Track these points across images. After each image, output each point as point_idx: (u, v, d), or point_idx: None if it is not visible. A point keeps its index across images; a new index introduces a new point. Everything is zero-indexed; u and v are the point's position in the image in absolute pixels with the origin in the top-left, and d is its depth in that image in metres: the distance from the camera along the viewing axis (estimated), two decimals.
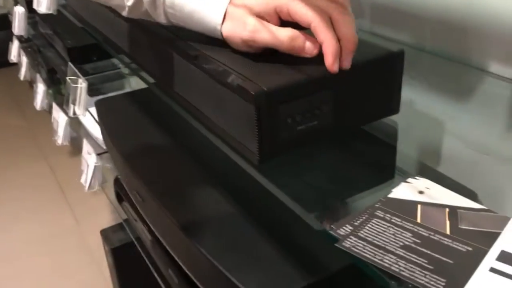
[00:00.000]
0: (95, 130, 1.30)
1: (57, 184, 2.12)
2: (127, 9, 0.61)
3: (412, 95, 0.70)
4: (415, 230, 0.43)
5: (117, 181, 1.11)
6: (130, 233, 1.16)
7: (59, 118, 1.49)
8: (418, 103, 0.69)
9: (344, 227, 0.43)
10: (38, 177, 2.17)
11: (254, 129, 0.50)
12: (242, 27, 0.51)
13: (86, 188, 1.28)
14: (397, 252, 0.40)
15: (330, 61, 0.49)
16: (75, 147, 1.83)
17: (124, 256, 1.33)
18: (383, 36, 0.89)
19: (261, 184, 0.54)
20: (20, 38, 2.07)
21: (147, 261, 1.05)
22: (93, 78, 1.40)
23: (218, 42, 0.58)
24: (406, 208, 0.45)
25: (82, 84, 1.17)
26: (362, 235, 0.42)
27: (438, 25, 0.81)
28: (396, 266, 0.39)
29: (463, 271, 0.38)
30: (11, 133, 2.53)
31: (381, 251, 0.40)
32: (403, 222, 0.43)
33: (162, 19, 0.59)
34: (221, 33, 0.54)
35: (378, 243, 0.41)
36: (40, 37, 1.82)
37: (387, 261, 0.39)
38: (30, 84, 2.45)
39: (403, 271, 0.39)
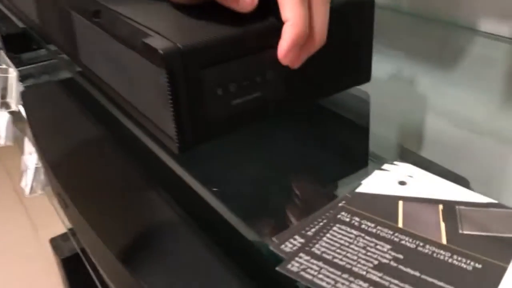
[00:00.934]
0: None
1: (13, 189, 1.96)
2: None
3: (387, 62, 0.56)
4: (396, 240, 0.29)
5: None
6: (75, 243, 1.02)
7: (0, 115, 1.33)
8: (395, 72, 0.55)
9: (291, 240, 0.29)
10: None
11: (168, 105, 0.36)
12: None
13: (27, 192, 1.13)
14: (370, 276, 0.27)
15: (285, 48, 0.34)
16: (22, 148, 1.68)
17: (76, 266, 1.19)
18: None
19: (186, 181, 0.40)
20: None
21: (91, 272, 0.91)
22: (32, 68, 1.24)
23: None
24: (382, 206, 0.31)
25: (12, 74, 1.01)
26: (317, 252, 0.28)
27: None
28: None
29: None
30: None
31: (345, 275, 0.27)
32: (378, 228, 0.30)
33: None
34: None
35: (342, 262, 0.28)
36: None
37: None
38: None
39: None
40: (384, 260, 0.27)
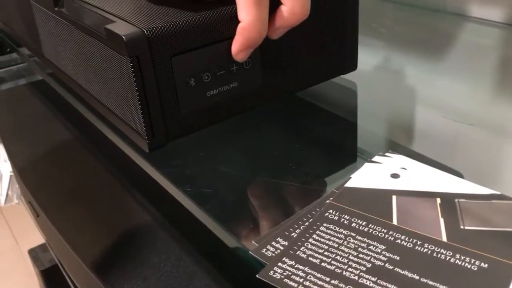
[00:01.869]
0: None
1: None
2: None
3: (374, 52, 0.53)
4: (391, 239, 0.26)
5: None
6: (53, 253, 0.97)
7: None
8: (383, 62, 0.52)
9: (273, 243, 0.26)
10: None
11: (135, 98, 0.32)
12: None
13: (2, 202, 1.09)
14: (363, 281, 0.23)
15: (236, 49, 0.32)
16: None
17: (56, 278, 1.14)
18: None
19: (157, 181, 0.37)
20: None
21: (70, 284, 0.86)
22: (6, 72, 1.20)
23: None
24: (374, 202, 0.28)
25: None
26: (302, 255, 0.25)
27: None
28: None
29: None
30: None
31: (335, 281, 0.23)
32: (371, 226, 0.27)
33: None
34: None
35: (331, 267, 0.24)
36: None
37: None
38: None
39: None
40: (379, 262, 0.24)
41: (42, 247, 1.19)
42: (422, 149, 0.36)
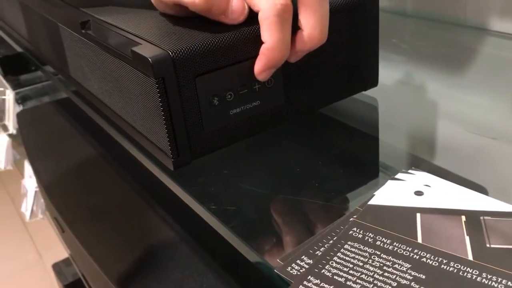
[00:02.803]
0: None
1: (17, 214, 1.94)
2: None
3: (395, 67, 0.53)
4: (416, 257, 0.26)
5: None
6: (77, 268, 0.98)
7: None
8: (404, 77, 0.52)
9: (298, 262, 0.26)
10: None
11: (160, 118, 0.33)
12: None
13: (27, 217, 1.10)
14: None
15: (259, 69, 0.33)
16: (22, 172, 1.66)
17: None
18: None
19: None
20: None
21: None
22: (31, 90, 1.22)
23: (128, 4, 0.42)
24: (398, 220, 0.28)
25: (9, 96, 0.99)
26: (327, 274, 0.25)
27: None
28: None
29: None
30: None
31: None
32: (395, 244, 0.27)
33: None
34: None
35: (356, 285, 0.24)
36: None
37: None
38: None
39: None
40: (404, 281, 0.24)
41: (65, 261, 1.20)
42: (445, 164, 0.36)
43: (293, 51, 0.33)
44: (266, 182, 0.37)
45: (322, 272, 0.25)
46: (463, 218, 0.28)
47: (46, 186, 0.66)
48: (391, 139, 0.42)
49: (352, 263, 0.26)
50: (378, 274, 0.25)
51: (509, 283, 0.23)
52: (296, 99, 0.38)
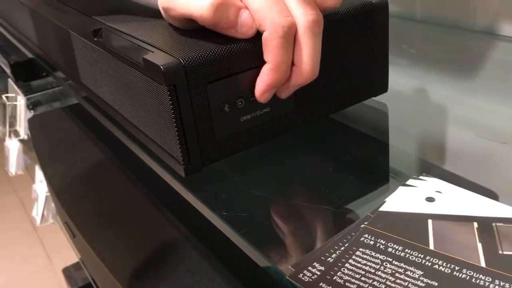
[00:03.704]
0: None
1: (28, 218, 1.95)
2: None
3: (405, 72, 0.53)
4: (428, 264, 0.26)
5: None
6: (87, 272, 0.99)
7: (11, 144, 1.32)
8: (413, 82, 0.52)
9: (309, 268, 0.26)
10: (8, 211, 2.02)
11: (172, 124, 0.33)
12: None
13: (38, 222, 1.11)
14: None
15: (260, 90, 0.33)
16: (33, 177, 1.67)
17: None
18: None
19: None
20: None
21: None
22: (42, 95, 1.23)
23: (136, 13, 0.42)
24: (410, 226, 0.28)
25: (20, 102, 1.00)
26: (339, 281, 0.25)
27: None
28: None
29: None
30: None
31: None
32: (407, 251, 0.27)
33: None
34: None
35: None
36: None
37: None
38: None
39: None
40: None
41: (75, 266, 1.21)
42: (455, 169, 0.36)
43: (285, 86, 0.33)
44: (276, 188, 0.37)
45: (334, 279, 0.25)
46: (475, 224, 0.28)
47: (57, 191, 0.67)
48: (401, 145, 0.42)
49: (364, 269, 0.26)
50: (390, 281, 0.25)
51: None
52: (306, 106, 0.38)
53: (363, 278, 0.25)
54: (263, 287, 0.43)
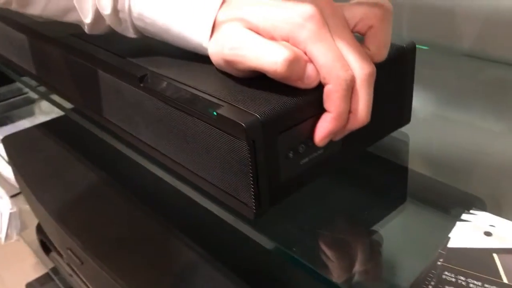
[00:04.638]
0: (4, 169, 1.09)
1: None
2: (86, 27, 0.45)
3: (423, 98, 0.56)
4: None
5: (40, 228, 0.92)
6: (60, 284, 0.97)
7: None
8: (430, 111, 0.56)
9: None
10: None
11: (245, 173, 0.35)
12: (225, 43, 0.36)
13: (2, 240, 1.07)
14: None
15: (321, 136, 0.36)
16: None
17: None
18: None
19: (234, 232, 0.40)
20: None
21: None
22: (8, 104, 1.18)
23: (170, 55, 0.43)
24: (479, 261, 0.33)
25: None
26: None
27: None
28: None
29: None
30: None
31: None
32: (486, 286, 0.31)
33: (130, 33, 0.43)
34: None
35: None
36: None
37: None
38: None
39: None
40: None
41: (39, 280, 1.18)
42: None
43: (341, 130, 0.36)
44: (340, 225, 0.40)
45: None
46: None
47: (56, 216, 0.65)
48: (442, 177, 0.45)
49: None
50: None
51: None
52: (350, 143, 0.41)
53: None
54: None
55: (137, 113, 0.44)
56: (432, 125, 0.53)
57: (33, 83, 0.74)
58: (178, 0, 0.39)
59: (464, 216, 0.36)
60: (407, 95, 0.45)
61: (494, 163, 0.46)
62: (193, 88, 0.38)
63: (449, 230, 0.35)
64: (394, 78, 0.43)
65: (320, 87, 0.35)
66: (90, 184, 0.69)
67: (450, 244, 0.34)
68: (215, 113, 0.35)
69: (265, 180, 0.36)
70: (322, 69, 0.35)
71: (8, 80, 1.15)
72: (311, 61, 0.35)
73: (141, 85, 0.41)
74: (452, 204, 0.40)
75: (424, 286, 0.31)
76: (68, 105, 0.66)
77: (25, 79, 0.73)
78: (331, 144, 0.39)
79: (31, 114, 1.20)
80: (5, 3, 0.45)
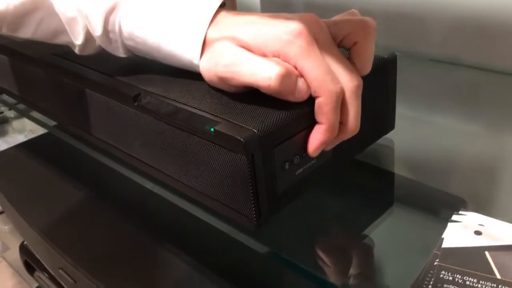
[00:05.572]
0: None
1: None
2: (77, 48, 0.45)
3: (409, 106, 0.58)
4: None
5: (24, 248, 0.90)
6: None
7: None
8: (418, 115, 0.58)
9: None
10: None
11: (245, 186, 0.36)
12: (219, 60, 0.38)
13: None
14: None
15: (314, 147, 0.38)
16: None
17: None
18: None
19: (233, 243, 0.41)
20: None
21: None
22: None
23: (158, 73, 0.44)
24: (473, 259, 0.34)
25: None
26: None
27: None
28: None
29: None
30: None
31: None
32: (482, 282, 0.33)
33: (120, 53, 0.44)
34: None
35: None
36: None
37: None
38: None
39: None
40: None
41: None
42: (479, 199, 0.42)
43: (332, 141, 0.38)
44: (340, 233, 0.42)
45: None
46: None
47: (45, 236, 0.65)
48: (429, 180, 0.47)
49: None
50: None
51: None
52: (340, 152, 0.43)
53: None
54: None
55: (131, 131, 0.45)
56: (412, 128, 0.55)
57: (12, 100, 0.74)
58: (168, 19, 0.40)
59: (454, 217, 0.38)
60: (391, 103, 0.47)
61: (473, 164, 0.48)
62: (187, 105, 0.39)
63: (438, 231, 0.37)
64: (378, 88, 0.45)
65: (311, 100, 0.37)
66: (76, 200, 0.69)
67: (444, 245, 0.36)
68: (212, 130, 0.36)
69: (265, 191, 0.37)
70: (313, 83, 0.36)
71: None
72: (301, 75, 0.36)
73: (135, 104, 0.42)
74: (438, 206, 0.42)
75: (424, 286, 0.33)
76: (50, 122, 0.66)
77: (3, 97, 0.73)
78: (322, 154, 0.41)
79: (5, 134, 1.18)
80: None
